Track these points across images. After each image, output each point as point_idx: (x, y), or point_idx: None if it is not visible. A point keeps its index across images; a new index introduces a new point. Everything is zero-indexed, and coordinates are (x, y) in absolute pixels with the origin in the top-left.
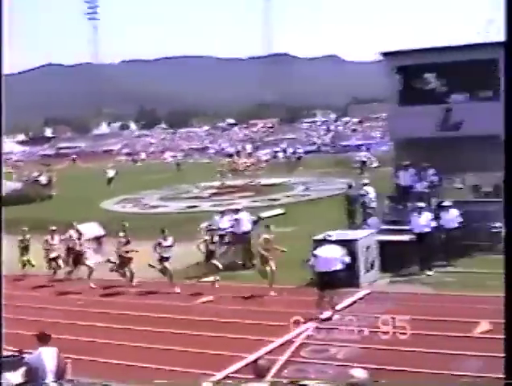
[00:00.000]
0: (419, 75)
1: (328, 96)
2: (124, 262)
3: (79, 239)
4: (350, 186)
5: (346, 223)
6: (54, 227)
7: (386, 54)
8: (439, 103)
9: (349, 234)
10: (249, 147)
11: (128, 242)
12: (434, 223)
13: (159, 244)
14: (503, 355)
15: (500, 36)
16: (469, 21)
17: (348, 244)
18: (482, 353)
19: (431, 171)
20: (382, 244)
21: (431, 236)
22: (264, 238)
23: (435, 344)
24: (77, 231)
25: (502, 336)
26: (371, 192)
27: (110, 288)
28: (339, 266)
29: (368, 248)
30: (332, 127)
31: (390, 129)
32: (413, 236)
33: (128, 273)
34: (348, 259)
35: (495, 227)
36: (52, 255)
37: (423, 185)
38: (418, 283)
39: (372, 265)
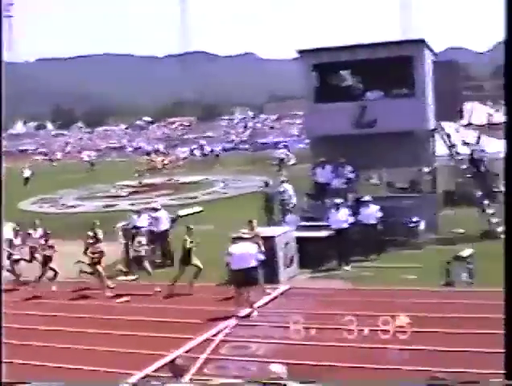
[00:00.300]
0: (334, 72)
1: (245, 94)
2: (94, 263)
3: (46, 239)
4: (267, 184)
5: (265, 220)
6: (17, 227)
7: (301, 52)
8: (354, 100)
9: (268, 231)
10: (161, 146)
11: (97, 241)
12: (351, 219)
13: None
14: (424, 347)
15: (415, 34)
16: (386, 19)
17: (267, 241)
18: (401, 346)
19: (348, 168)
20: (301, 241)
21: (349, 232)
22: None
23: (353, 338)
24: (45, 231)
25: (420, 329)
26: (290, 189)
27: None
28: (253, 263)
29: (287, 244)
30: (249, 124)
31: (306, 127)
32: (331, 232)
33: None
34: (262, 256)
35: (411, 222)
36: (15, 257)
37: (340, 181)
38: (336, 278)
39: (291, 261)
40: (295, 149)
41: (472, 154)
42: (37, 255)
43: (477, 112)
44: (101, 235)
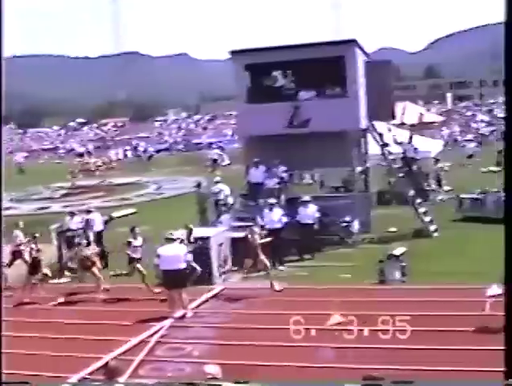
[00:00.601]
0: (267, 73)
1: (179, 95)
2: (86, 267)
3: (35, 243)
4: (199, 185)
5: (199, 221)
6: None
7: (234, 52)
8: (287, 100)
9: (202, 231)
10: (94, 148)
11: (89, 244)
12: (285, 219)
13: (129, 243)
14: (358, 345)
15: (348, 34)
16: (318, 19)
17: (201, 242)
18: (336, 344)
19: (282, 168)
20: (235, 241)
21: (283, 232)
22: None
23: (290, 337)
24: (33, 235)
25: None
26: (226, 189)
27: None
28: (182, 265)
29: (221, 245)
30: (183, 125)
31: (239, 127)
32: (265, 232)
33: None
34: (191, 257)
35: (345, 222)
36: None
37: (273, 181)
38: (271, 278)
39: (225, 262)
40: (230, 149)
41: (404, 154)
42: (24, 259)
43: (409, 111)
44: (92, 237)
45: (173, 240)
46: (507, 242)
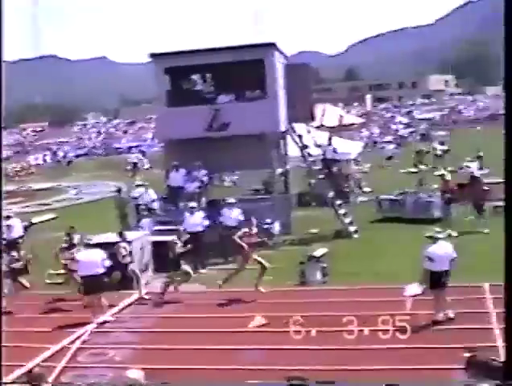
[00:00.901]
0: (187, 76)
1: (99, 99)
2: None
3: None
4: (119, 190)
5: (120, 225)
6: None
7: (153, 55)
8: (207, 104)
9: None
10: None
11: (72, 246)
12: (207, 222)
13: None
14: (279, 346)
15: (267, 38)
16: (238, 23)
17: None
18: (257, 346)
19: (202, 171)
20: (156, 245)
21: (204, 235)
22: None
23: (215, 339)
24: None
25: (276, 329)
26: (152, 193)
27: None
28: (101, 270)
29: (141, 249)
30: (103, 129)
31: (159, 131)
32: (186, 236)
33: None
34: (108, 262)
35: (266, 224)
36: None
37: (194, 185)
38: (193, 282)
39: (146, 266)
40: (150, 153)
41: (324, 155)
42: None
43: (329, 113)
44: (77, 239)
45: (91, 245)
46: (507, 240)
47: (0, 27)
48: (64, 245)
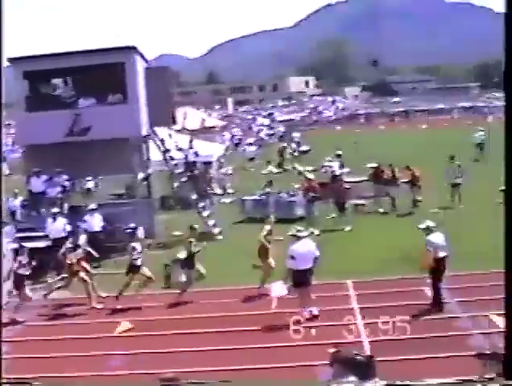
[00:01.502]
0: (46, 80)
1: None
2: (74, 273)
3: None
4: None
5: None
6: None
7: (12, 59)
8: (67, 108)
9: None
10: None
11: (77, 247)
12: (69, 228)
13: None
14: (150, 350)
15: (128, 41)
16: (99, 25)
17: None
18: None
19: (64, 176)
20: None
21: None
22: None
23: (83, 346)
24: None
25: (148, 333)
26: (17, 202)
27: None
28: None
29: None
30: None
31: (18, 136)
32: (49, 242)
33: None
34: None
35: (129, 229)
36: None
37: (55, 190)
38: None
39: (8, 277)
40: (10, 159)
41: (186, 158)
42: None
43: (191, 117)
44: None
45: None
46: (507, 234)
47: (0, 27)
48: None
